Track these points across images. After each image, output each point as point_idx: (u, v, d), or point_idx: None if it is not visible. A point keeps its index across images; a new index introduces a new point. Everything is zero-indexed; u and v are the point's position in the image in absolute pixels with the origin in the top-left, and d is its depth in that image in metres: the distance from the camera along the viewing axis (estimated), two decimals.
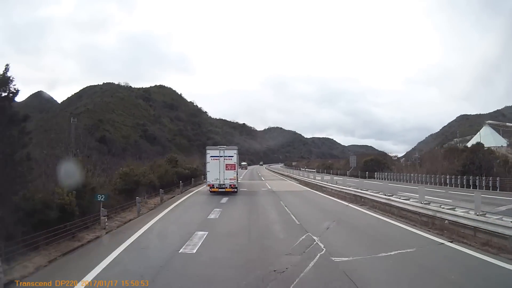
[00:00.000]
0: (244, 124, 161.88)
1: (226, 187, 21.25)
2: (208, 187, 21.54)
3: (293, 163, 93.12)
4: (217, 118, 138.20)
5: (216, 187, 21.36)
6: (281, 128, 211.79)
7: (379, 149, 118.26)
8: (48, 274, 5.74)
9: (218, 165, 21.43)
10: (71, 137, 34.50)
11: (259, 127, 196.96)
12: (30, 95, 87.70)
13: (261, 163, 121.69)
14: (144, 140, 64.71)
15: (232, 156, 21.58)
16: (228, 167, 21.43)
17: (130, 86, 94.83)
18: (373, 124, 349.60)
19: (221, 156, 21.57)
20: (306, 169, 62.28)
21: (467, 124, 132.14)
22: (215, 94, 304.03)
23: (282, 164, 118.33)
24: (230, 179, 21.33)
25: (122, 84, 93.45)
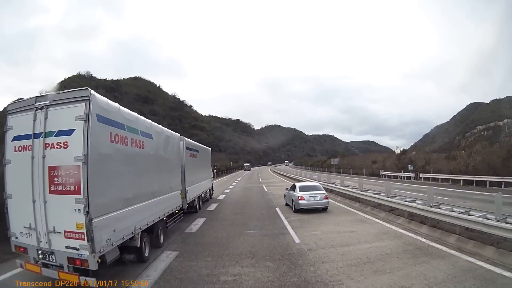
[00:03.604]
0: (238, 120, 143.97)
1: (63, 268, 4.77)
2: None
3: (333, 161, 50.08)
4: (206, 115, 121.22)
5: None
6: (279, 126, 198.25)
7: (381, 144, 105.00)
8: None
9: (30, 172, 4.93)
10: None
11: (256, 127, 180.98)
12: (10, 104, 77.77)
13: (269, 163, 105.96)
14: None
15: (69, 132, 5.02)
16: (53, 179, 4.88)
17: (91, 75, 78.41)
18: (370, 120, 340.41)
19: (39, 136, 5.03)
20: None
21: (488, 110, 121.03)
22: (208, 98, 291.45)
23: (289, 164, 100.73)
24: (67, 233, 4.77)
25: (83, 73, 77.01)
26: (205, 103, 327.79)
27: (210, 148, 18.98)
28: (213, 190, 19.18)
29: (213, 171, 21.18)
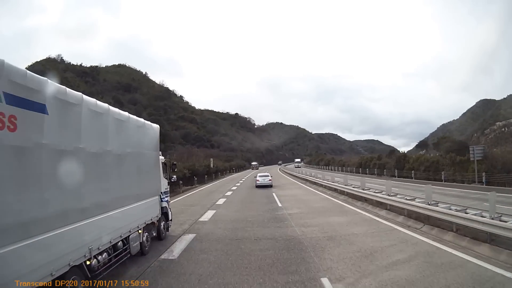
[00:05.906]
0: (237, 114, 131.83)
1: None
2: None
3: (474, 153, 24.55)
4: (202, 109, 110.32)
5: None
6: (281, 123, 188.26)
7: (386, 144, 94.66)
8: None
9: None
10: None
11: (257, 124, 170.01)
12: None
13: (279, 162, 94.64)
14: None
15: None
16: None
17: (62, 58, 68.45)
18: (371, 120, 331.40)
19: None
20: None
21: (506, 105, 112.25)
22: (208, 99, 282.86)
23: (300, 163, 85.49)
24: None
25: (53, 57, 67.10)
26: (205, 103, 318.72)
27: (157, 126, 8.05)
28: (169, 215, 8.87)
29: (170, 178, 10.18)
